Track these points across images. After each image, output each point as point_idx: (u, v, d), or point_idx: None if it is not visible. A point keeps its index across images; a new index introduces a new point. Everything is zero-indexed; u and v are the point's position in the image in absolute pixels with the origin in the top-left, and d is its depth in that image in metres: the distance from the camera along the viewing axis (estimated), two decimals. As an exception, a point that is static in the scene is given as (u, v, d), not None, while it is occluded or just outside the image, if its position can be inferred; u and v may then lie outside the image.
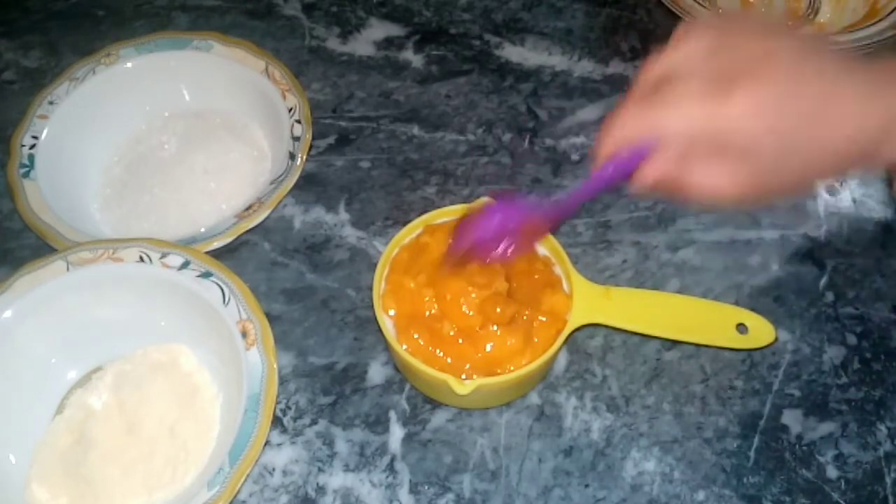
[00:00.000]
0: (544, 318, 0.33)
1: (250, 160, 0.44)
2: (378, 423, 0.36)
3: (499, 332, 0.32)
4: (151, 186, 0.43)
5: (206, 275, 0.35)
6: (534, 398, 0.36)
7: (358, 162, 0.45)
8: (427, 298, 0.33)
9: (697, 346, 0.38)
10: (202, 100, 0.46)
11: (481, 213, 0.32)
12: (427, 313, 0.34)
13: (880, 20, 0.47)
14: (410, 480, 0.34)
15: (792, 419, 0.36)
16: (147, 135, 0.45)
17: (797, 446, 0.36)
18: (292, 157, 0.41)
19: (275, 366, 0.33)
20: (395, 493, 0.34)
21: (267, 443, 0.34)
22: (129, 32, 0.49)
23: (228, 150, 0.44)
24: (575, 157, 0.46)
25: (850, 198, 0.43)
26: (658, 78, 0.27)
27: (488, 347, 0.32)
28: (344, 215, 0.43)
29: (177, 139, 0.45)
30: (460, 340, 0.33)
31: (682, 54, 0.26)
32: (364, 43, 0.50)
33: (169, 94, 0.46)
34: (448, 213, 0.37)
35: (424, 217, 0.36)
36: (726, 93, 0.24)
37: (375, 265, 0.35)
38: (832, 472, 0.35)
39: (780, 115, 0.24)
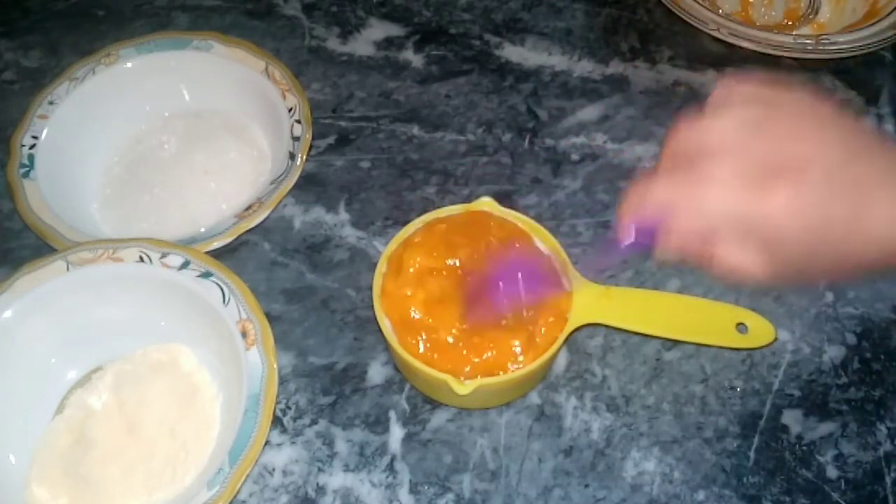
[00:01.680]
0: (547, 319, 0.33)
1: (250, 160, 0.44)
2: (378, 423, 0.36)
3: (501, 334, 0.32)
4: (151, 186, 0.43)
5: (206, 275, 0.35)
6: (534, 398, 0.36)
7: (358, 162, 0.45)
8: (420, 315, 0.33)
9: (697, 345, 0.38)
10: (202, 100, 0.46)
11: (496, 280, 0.33)
12: (426, 321, 0.33)
13: (880, 20, 0.47)
14: (410, 480, 0.34)
15: (792, 419, 0.36)
16: (147, 135, 0.45)
17: (797, 446, 0.35)
18: (292, 157, 0.41)
19: (275, 366, 0.33)
20: (395, 493, 0.34)
21: (267, 443, 0.34)
22: (129, 32, 0.49)
23: (228, 150, 0.44)
24: (575, 157, 0.46)
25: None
26: (693, 150, 0.26)
27: (490, 351, 0.32)
28: (344, 215, 0.43)
29: (177, 139, 0.45)
30: (461, 345, 0.33)
31: (720, 128, 0.26)
32: (364, 43, 0.50)
33: (169, 94, 0.46)
34: (447, 213, 0.37)
35: (424, 217, 0.36)
36: (769, 185, 0.24)
37: (375, 265, 0.35)
38: (832, 472, 0.35)
39: (818, 216, 0.24)
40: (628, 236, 0.28)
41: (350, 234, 0.42)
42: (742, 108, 0.26)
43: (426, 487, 0.34)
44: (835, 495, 0.34)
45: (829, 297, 0.40)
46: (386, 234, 0.42)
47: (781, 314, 0.39)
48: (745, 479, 0.34)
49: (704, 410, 0.36)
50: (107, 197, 0.44)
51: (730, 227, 0.25)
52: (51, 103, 0.43)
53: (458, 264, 0.34)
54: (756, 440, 0.36)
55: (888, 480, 0.35)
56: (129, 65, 0.45)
